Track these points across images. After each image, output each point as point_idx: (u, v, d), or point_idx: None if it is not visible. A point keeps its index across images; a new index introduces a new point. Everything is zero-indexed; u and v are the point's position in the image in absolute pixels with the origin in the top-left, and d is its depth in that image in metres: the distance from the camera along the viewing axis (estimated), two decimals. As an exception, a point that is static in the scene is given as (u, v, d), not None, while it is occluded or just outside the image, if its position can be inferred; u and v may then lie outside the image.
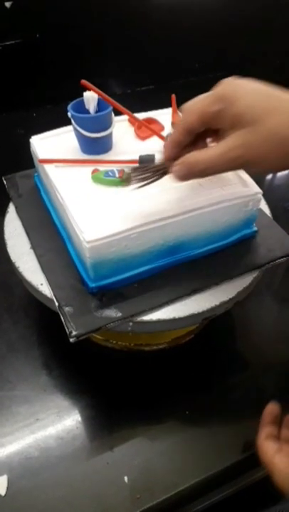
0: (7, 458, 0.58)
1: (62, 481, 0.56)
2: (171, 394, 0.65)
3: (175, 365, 0.68)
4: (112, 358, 0.68)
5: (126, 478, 0.56)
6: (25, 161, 0.68)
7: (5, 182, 0.71)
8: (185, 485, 0.56)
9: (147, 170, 0.51)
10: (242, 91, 0.41)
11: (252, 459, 0.60)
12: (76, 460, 0.58)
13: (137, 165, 0.53)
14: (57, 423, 0.61)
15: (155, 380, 0.67)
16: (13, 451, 0.59)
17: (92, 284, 0.54)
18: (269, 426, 0.56)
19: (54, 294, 0.54)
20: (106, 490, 0.55)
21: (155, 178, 0.51)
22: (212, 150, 0.43)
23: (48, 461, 0.58)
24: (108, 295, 0.54)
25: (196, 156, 0.44)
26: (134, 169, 0.52)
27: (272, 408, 0.58)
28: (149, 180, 0.51)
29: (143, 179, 0.51)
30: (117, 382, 0.66)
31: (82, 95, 0.59)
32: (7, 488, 0.55)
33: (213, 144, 0.47)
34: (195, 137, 0.46)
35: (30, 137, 0.65)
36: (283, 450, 0.52)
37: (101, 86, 0.58)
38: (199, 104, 0.44)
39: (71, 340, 0.50)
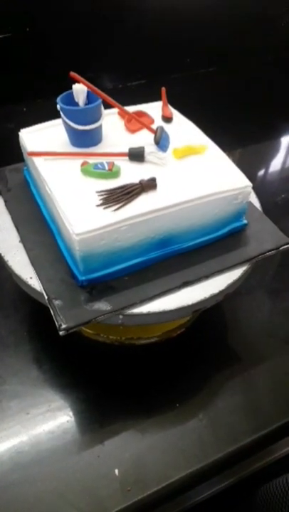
0: (-3, 452, 0.58)
1: (53, 475, 0.56)
2: (161, 387, 0.65)
3: (166, 358, 0.68)
4: (103, 352, 0.68)
5: (117, 471, 0.56)
6: (16, 155, 0.68)
7: (-6, 176, 0.70)
8: (176, 477, 0.56)
9: (124, 190, 0.54)
10: None
11: (243, 451, 0.60)
12: (67, 454, 0.58)
13: (114, 187, 0.55)
14: (47, 417, 0.61)
15: (146, 373, 0.67)
16: (4, 446, 0.58)
17: (81, 277, 0.54)
18: None
19: (43, 288, 0.54)
20: (97, 483, 0.55)
21: (131, 197, 0.53)
22: None
23: (39, 454, 0.58)
24: (98, 288, 0.54)
25: None
26: (111, 191, 0.54)
27: None
28: (124, 202, 0.53)
29: (119, 200, 0.53)
30: (108, 376, 0.66)
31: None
32: (-2, 482, 0.55)
33: None
34: None
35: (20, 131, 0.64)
36: None
37: (92, 80, 0.57)
38: None
39: (61, 333, 0.50)
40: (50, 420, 0.61)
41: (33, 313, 0.73)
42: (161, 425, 0.61)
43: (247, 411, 0.63)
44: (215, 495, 0.67)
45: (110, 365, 0.67)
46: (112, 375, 0.66)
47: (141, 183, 0.55)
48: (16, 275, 0.57)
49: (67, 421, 0.61)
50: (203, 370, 0.68)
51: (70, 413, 0.62)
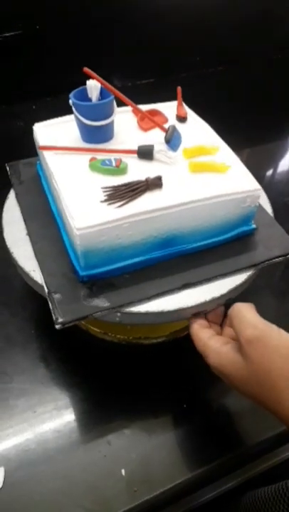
0: (4, 450, 0.58)
1: (59, 473, 0.56)
2: (169, 387, 0.64)
3: (173, 358, 0.67)
4: (111, 351, 0.68)
5: (123, 471, 0.56)
6: (25, 152, 0.68)
7: (8, 169, 0.70)
8: (183, 478, 0.55)
9: (129, 187, 0.53)
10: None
11: (251, 452, 0.59)
12: (73, 452, 0.58)
13: (119, 184, 0.54)
14: (54, 416, 0.61)
15: (153, 373, 0.66)
16: (11, 444, 0.58)
17: (82, 273, 0.53)
18: (202, 319, 0.56)
19: (45, 281, 0.54)
20: (103, 482, 0.55)
21: (135, 195, 0.53)
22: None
23: (45, 453, 0.57)
24: (98, 284, 0.54)
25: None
26: (116, 188, 0.54)
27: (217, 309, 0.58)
28: (129, 199, 0.52)
29: (123, 197, 0.52)
30: (115, 375, 0.66)
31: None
32: (4, 479, 0.55)
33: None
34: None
35: (29, 129, 0.64)
36: (217, 335, 0.54)
37: (102, 78, 0.57)
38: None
39: (57, 327, 0.50)
40: (57, 419, 0.61)
41: (41, 311, 0.73)
42: (169, 425, 0.60)
43: (254, 413, 0.62)
44: (222, 496, 0.67)
45: (117, 365, 0.67)
46: (119, 374, 0.66)
47: (146, 180, 0.54)
48: (20, 267, 0.58)
49: (74, 420, 0.61)
50: (211, 371, 0.67)
51: (77, 412, 0.62)
